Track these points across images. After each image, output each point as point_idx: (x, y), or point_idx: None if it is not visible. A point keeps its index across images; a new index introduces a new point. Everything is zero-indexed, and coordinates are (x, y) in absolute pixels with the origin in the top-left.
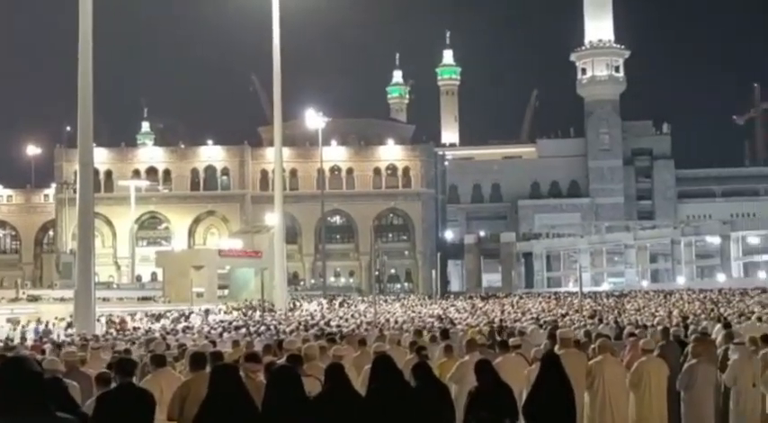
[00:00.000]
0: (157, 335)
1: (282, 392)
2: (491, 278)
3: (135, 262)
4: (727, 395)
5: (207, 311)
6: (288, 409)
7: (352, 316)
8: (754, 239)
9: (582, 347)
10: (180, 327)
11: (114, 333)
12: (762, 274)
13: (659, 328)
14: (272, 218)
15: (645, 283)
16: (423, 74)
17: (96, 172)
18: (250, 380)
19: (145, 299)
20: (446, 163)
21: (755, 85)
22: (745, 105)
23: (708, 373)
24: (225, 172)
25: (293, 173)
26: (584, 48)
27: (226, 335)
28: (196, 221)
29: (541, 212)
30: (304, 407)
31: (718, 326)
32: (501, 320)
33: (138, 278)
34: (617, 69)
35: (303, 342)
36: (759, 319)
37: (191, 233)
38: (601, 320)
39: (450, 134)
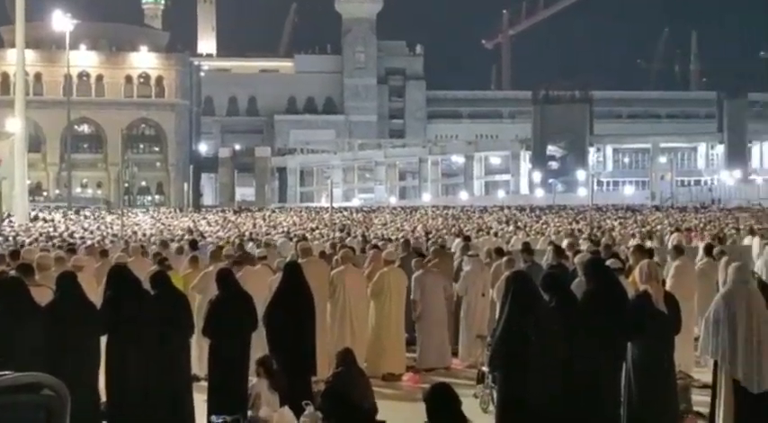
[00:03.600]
0: None
1: (8, 302)
2: (245, 192)
3: None
4: (459, 303)
5: None
6: (14, 317)
7: (98, 228)
8: (495, 160)
9: (327, 258)
10: None
11: None
12: (501, 193)
13: (402, 240)
14: (14, 124)
15: (393, 200)
16: None
17: None
18: None
19: None
20: (202, 74)
21: (504, 11)
22: (495, 31)
23: (436, 282)
24: None
25: (38, 77)
26: None
27: None
28: None
29: (297, 128)
30: (31, 315)
31: (458, 240)
32: (251, 233)
33: None
34: None
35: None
36: (495, 234)
37: None
38: (349, 234)
39: (206, 44)
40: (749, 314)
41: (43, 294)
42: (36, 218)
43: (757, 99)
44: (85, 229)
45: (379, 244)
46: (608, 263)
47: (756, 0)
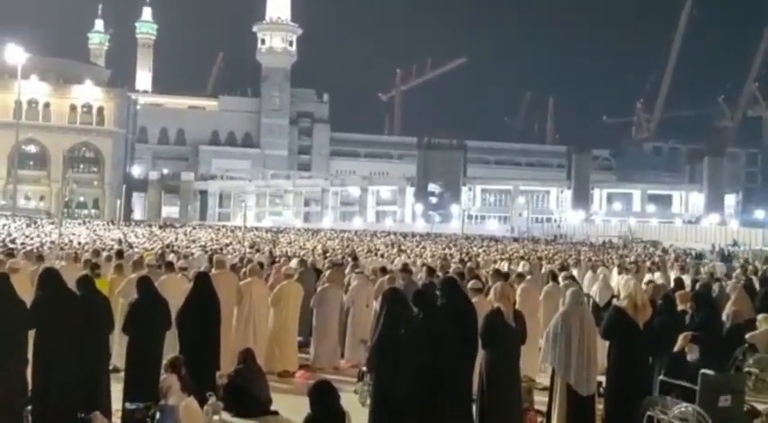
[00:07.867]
0: None
1: None
2: (170, 210)
3: None
4: (348, 312)
5: None
6: None
7: (38, 235)
8: (385, 193)
9: (236, 270)
10: None
11: None
12: (389, 221)
13: (302, 257)
14: None
15: (298, 223)
16: (123, 25)
17: None
18: None
19: None
20: (138, 107)
21: (398, 70)
22: (390, 86)
23: (334, 295)
24: None
25: None
26: (264, 21)
27: None
28: None
29: (219, 158)
30: None
31: (350, 259)
32: (172, 246)
33: None
34: (291, 43)
35: None
36: (382, 255)
37: None
38: (258, 250)
39: (143, 81)
40: (582, 330)
41: None
42: None
43: (598, 154)
44: (26, 236)
45: (282, 260)
46: (470, 284)
47: (600, 73)
